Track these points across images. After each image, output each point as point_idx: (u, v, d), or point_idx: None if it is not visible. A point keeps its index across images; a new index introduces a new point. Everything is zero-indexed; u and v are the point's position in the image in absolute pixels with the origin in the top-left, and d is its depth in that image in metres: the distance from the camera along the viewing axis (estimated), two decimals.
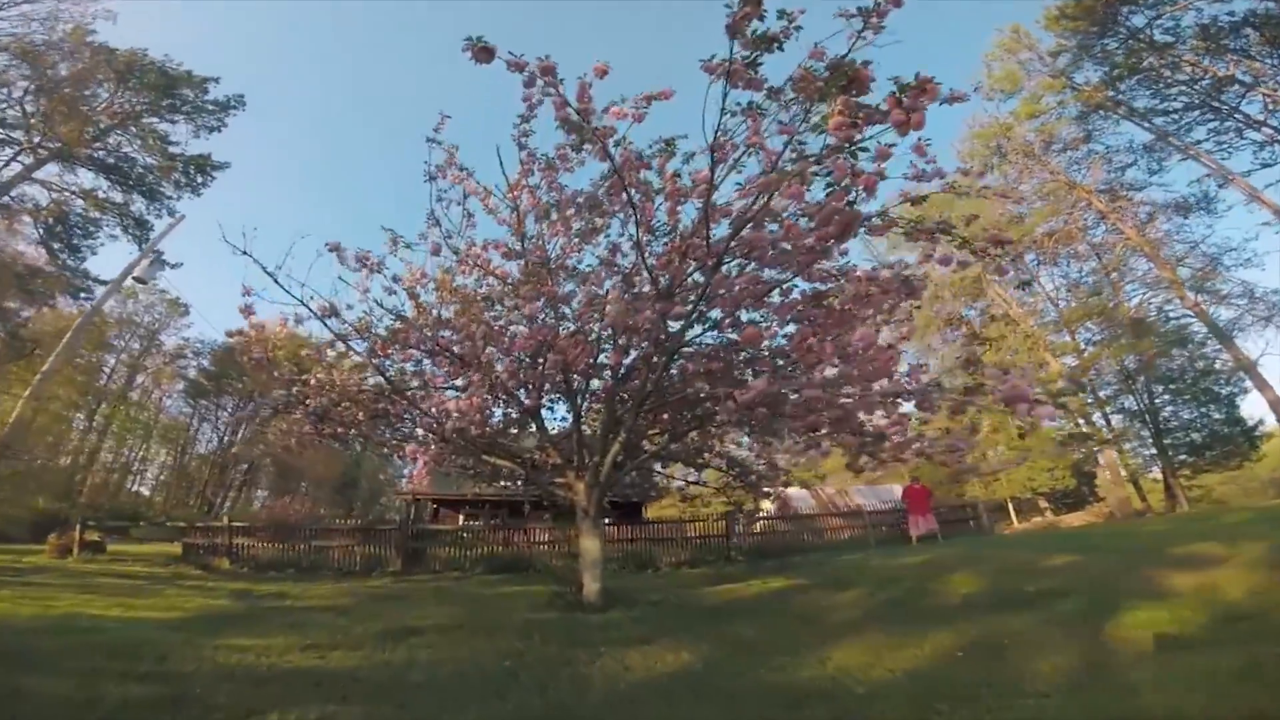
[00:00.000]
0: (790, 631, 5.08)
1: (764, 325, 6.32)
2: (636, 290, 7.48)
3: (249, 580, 10.69)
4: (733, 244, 5.93)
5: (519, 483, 10.31)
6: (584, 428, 8.11)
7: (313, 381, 7.08)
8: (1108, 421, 23.12)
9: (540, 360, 6.12)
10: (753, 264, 6.37)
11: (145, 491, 42.48)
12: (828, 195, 4.64)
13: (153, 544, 20.05)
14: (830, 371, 5.50)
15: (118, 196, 24.21)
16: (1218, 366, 21.22)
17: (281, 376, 7.55)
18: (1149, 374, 21.30)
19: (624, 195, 6.16)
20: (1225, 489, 25.38)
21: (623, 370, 7.36)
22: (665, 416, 8.34)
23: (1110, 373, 22.74)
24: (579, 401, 8.19)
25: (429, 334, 6.65)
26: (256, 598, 8.29)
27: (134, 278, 15.53)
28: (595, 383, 8.90)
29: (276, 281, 6.79)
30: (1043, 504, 25.17)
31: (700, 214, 6.31)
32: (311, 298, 6.99)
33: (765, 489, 9.35)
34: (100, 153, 23.97)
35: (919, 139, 4.93)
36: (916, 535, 12.73)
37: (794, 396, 6.00)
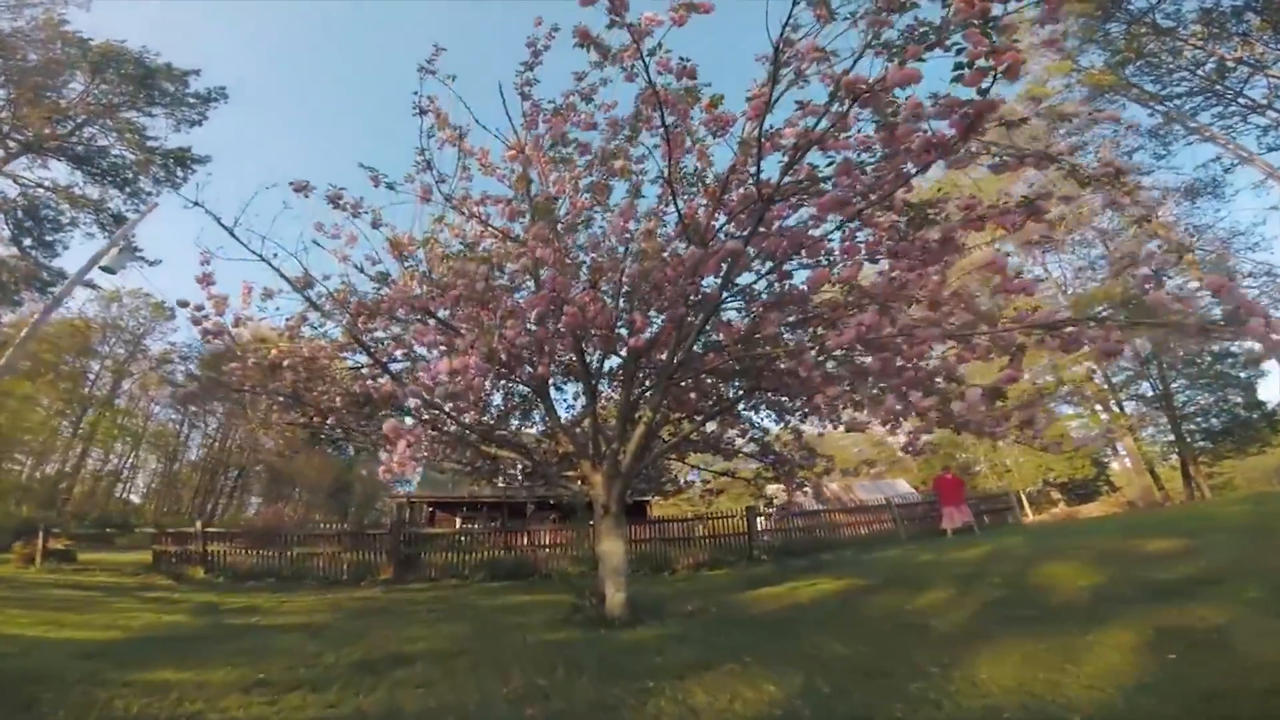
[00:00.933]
0: (894, 645, 3.86)
1: (838, 264, 5.08)
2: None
3: (221, 591, 9.35)
4: (791, 174, 4.77)
5: (522, 479, 9.05)
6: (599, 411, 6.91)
7: (276, 352, 5.79)
8: (1121, 408, 22.10)
9: (551, 317, 4.86)
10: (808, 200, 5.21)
11: (135, 499, 40.84)
12: (955, 80, 3.46)
13: (134, 552, 18.64)
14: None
15: (94, 192, 22.90)
16: (1234, 349, 20.22)
17: (244, 352, 6.26)
18: (1164, 357, 20.27)
19: (657, 115, 4.94)
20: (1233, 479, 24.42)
21: (647, 337, 6.13)
22: (692, 396, 7.12)
23: (1124, 358, 21.65)
24: (594, 382, 6.97)
25: (423, 291, 5.41)
26: (220, 613, 6.98)
27: (101, 267, 14.08)
28: (611, 362, 7.70)
29: (234, 235, 5.55)
30: (1055, 495, 24.12)
31: (750, 141, 5.17)
32: (274, 254, 5.75)
33: (799, 480, 8.13)
34: (78, 147, 22.70)
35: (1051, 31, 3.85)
36: (951, 528, 11.55)
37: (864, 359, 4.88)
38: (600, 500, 5.99)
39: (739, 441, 7.84)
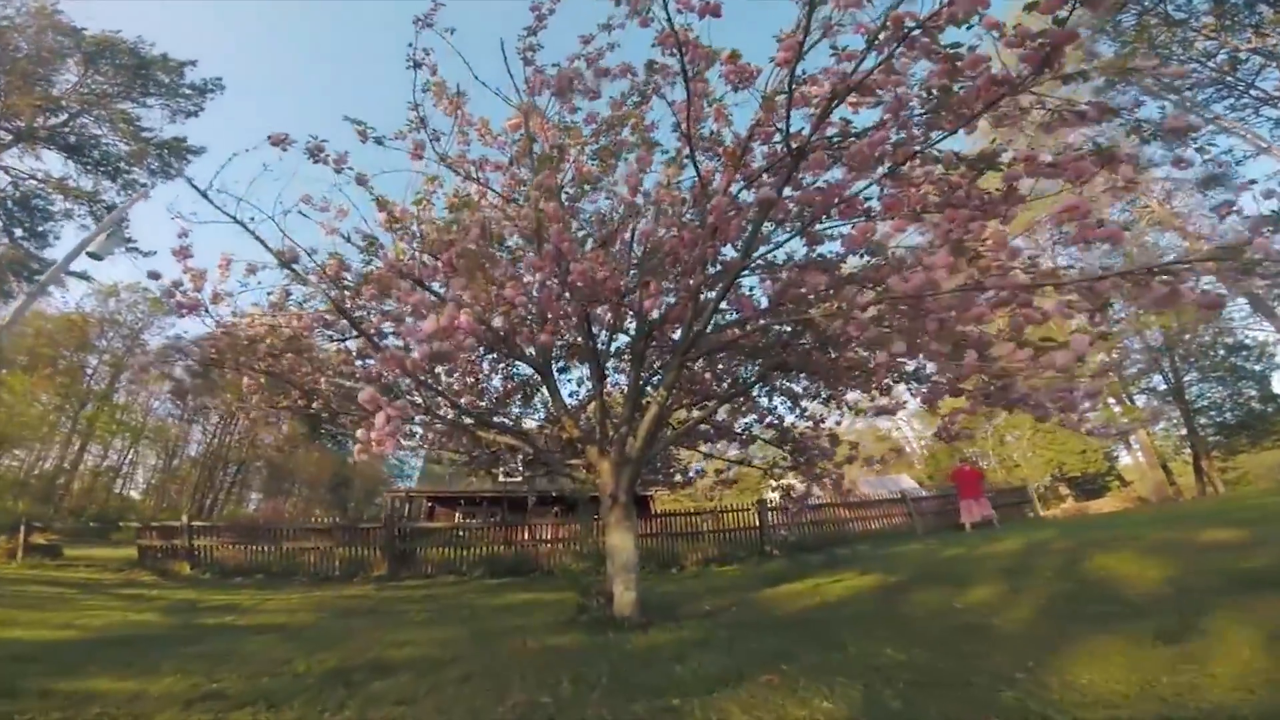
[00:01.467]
0: (957, 648, 3.27)
1: (879, 221, 4.50)
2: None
3: (205, 588, 8.75)
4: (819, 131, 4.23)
5: (523, 468, 8.45)
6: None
7: (248, 323, 5.19)
8: (1131, 401, 21.47)
9: (556, 279, 4.23)
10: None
11: (136, 495, 40.17)
12: (1028, 9, 2.94)
13: (128, 548, 18.02)
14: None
15: (88, 183, 22.41)
16: (1248, 342, 19.60)
17: (220, 326, 5.66)
18: (1176, 349, 19.61)
19: (674, 60, 4.34)
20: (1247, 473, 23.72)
21: (661, 311, 5.53)
22: (707, 377, 6.52)
23: (1135, 351, 21.00)
24: (601, 362, 6.37)
25: (416, 251, 4.83)
26: (196, 611, 6.38)
27: (88, 253, 13.48)
28: (619, 342, 7.10)
29: (206, 198, 4.98)
30: (1063, 490, 23.46)
31: (776, 94, 4.64)
32: (251, 218, 5.14)
33: (819, 470, 7.51)
34: (70, 137, 22.20)
35: None
36: (970, 522, 10.93)
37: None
38: (608, 489, 5.39)
39: (756, 428, 7.23)
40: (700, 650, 3.73)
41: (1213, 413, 19.88)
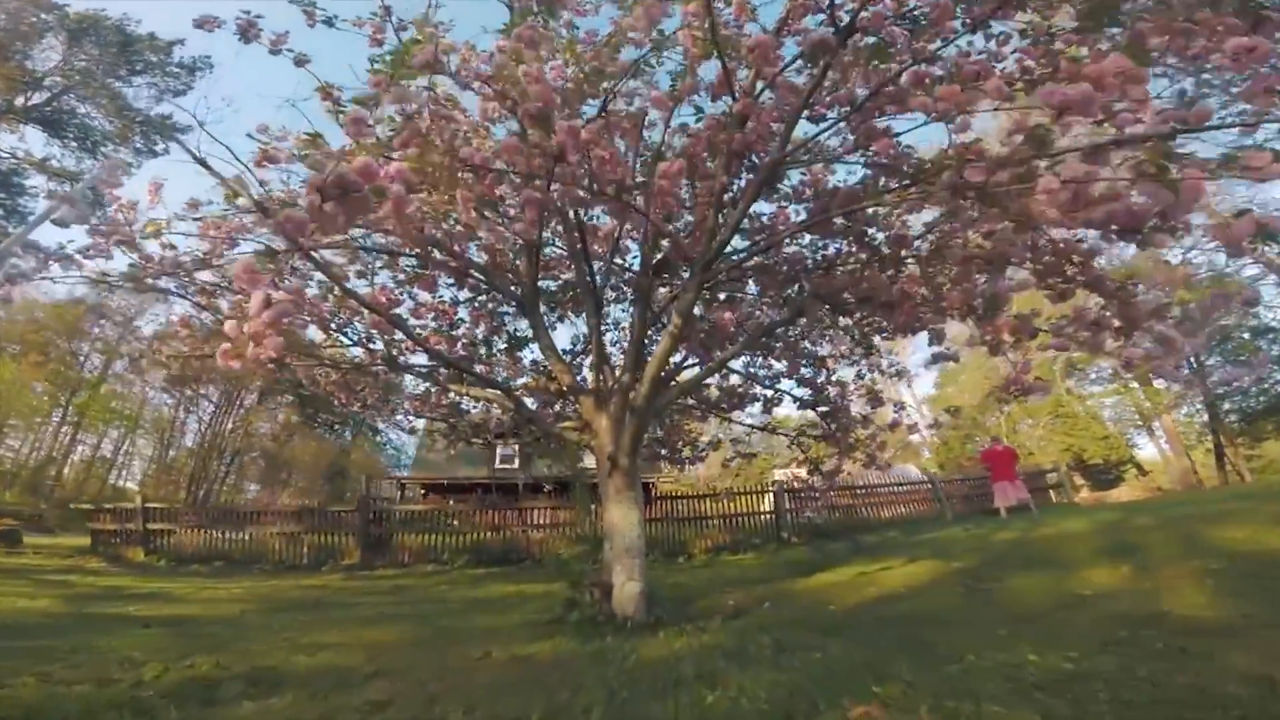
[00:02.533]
0: (1150, 646, 2.05)
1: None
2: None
3: (151, 575, 7.55)
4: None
5: (510, 432, 7.25)
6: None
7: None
8: (1152, 383, 20.23)
9: (538, 154, 2.98)
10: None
11: (132, 486, 38.92)
12: None
13: None
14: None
15: (71, 163, 21.23)
16: (1274, 324, 18.33)
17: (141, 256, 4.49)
18: (1200, 332, 18.39)
19: None
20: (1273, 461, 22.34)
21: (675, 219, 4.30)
22: (727, 316, 5.28)
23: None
24: (600, 299, 5.14)
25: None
26: (111, 599, 5.19)
27: (53, 220, 12.28)
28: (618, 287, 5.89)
29: (135, 110, 3.76)
30: (1078, 480, 22.17)
31: None
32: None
33: (852, 440, 6.29)
34: (53, 115, 21.03)
35: None
36: (1005, 506, 9.67)
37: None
38: (606, 451, 4.18)
39: (787, 384, 6.04)
40: (738, 664, 2.51)
41: (1237, 398, 18.63)
